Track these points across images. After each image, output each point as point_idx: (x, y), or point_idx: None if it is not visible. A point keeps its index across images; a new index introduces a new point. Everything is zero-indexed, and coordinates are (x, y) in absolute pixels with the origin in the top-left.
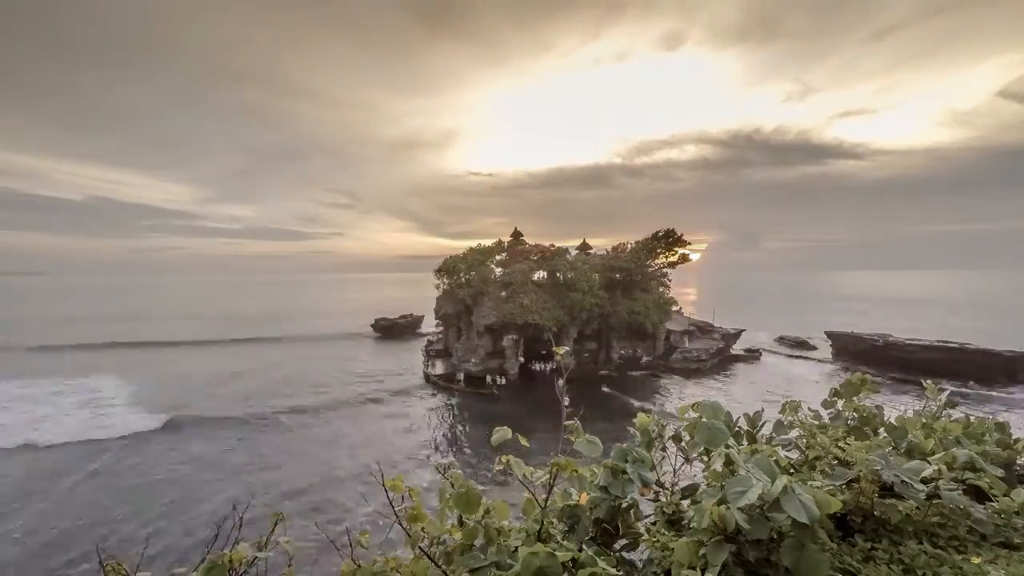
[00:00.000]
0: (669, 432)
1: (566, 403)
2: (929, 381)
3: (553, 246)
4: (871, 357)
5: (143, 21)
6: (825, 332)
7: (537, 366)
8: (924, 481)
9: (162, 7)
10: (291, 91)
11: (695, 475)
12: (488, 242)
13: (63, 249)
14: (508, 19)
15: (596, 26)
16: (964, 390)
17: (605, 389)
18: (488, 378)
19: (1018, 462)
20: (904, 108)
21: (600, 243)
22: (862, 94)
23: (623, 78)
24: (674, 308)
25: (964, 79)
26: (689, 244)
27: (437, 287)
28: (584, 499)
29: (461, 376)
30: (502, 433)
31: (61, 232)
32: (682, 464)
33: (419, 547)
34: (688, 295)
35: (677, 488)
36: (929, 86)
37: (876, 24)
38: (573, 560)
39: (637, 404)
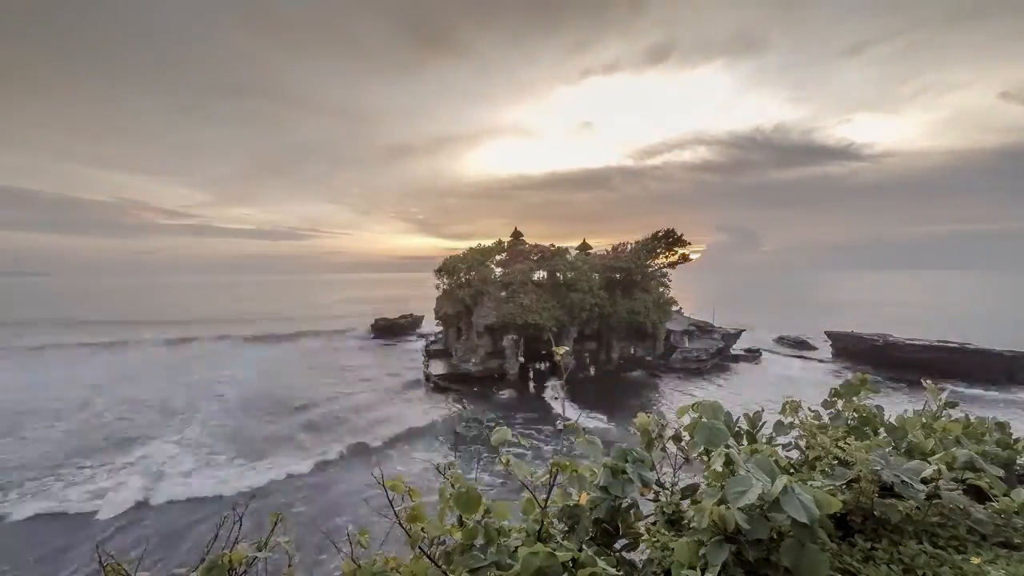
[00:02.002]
0: (669, 432)
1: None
2: (929, 381)
3: (553, 246)
4: (871, 357)
5: (152, 38)
6: (825, 332)
7: (541, 365)
8: (924, 481)
9: (174, 26)
10: (294, 102)
11: (695, 475)
12: (488, 242)
13: (69, 249)
14: (497, 39)
15: (583, 42)
16: (964, 390)
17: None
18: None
19: (1018, 462)
20: (904, 111)
21: (600, 243)
22: (860, 99)
23: (618, 86)
24: (674, 308)
25: (965, 83)
26: (689, 244)
27: (437, 287)
28: (584, 499)
29: (460, 376)
30: (502, 433)
31: (81, 234)
32: (682, 464)
33: (419, 547)
34: (688, 295)
35: (677, 488)
36: (930, 90)
37: (850, 40)
38: (573, 560)
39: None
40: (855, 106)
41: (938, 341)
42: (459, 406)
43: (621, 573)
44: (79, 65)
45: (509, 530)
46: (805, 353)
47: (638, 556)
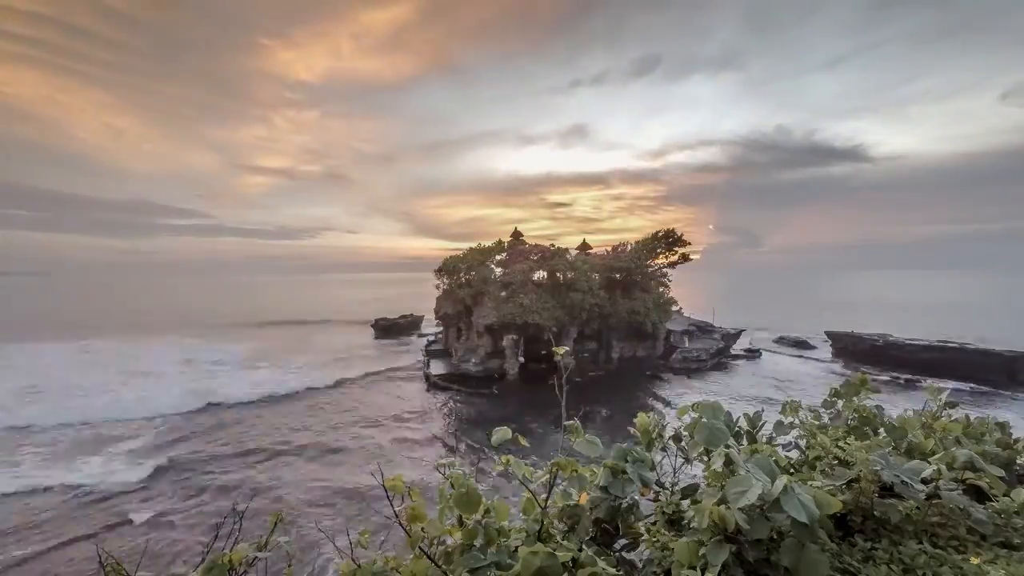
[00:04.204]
0: (669, 432)
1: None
2: (929, 381)
3: (553, 246)
4: (871, 357)
5: (161, 40)
6: (825, 332)
7: (543, 365)
8: (924, 481)
9: (183, 31)
10: (296, 107)
11: (695, 475)
12: (488, 242)
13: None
14: (486, 55)
15: (570, 54)
16: (964, 389)
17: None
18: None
19: (1018, 462)
20: (903, 115)
21: (600, 243)
22: (855, 105)
23: (612, 94)
24: (674, 308)
25: (966, 85)
26: (689, 244)
27: (437, 287)
28: (584, 499)
29: (460, 376)
30: (502, 433)
31: (92, 234)
32: (682, 464)
33: (419, 547)
34: (688, 295)
35: (677, 488)
36: (930, 93)
37: (827, 54)
38: (573, 560)
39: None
40: (851, 112)
41: (938, 341)
42: (459, 406)
43: (621, 573)
44: (89, 66)
45: (509, 530)
46: (805, 353)
47: (638, 556)
